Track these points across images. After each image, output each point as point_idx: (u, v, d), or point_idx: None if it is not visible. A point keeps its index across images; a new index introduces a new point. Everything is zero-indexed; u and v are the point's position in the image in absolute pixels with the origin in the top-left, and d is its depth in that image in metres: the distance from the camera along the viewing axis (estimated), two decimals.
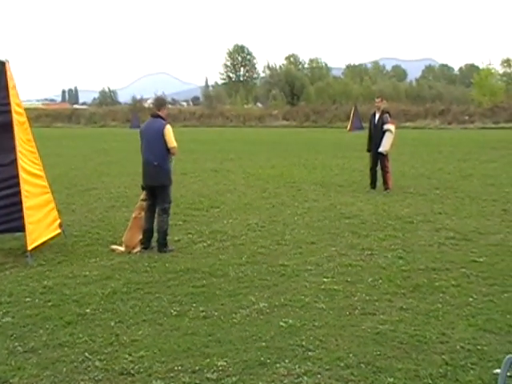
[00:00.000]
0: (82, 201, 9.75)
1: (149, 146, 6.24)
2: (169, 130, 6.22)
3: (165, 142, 6.19)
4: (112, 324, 4.17)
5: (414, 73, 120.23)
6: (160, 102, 6.53)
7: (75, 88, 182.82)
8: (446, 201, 9.33)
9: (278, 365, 3.48)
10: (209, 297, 4.78)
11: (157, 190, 6.33)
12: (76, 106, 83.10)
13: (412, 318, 4.22)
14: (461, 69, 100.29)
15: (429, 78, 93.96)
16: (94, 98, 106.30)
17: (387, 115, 10.39)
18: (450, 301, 4.59)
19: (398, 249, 6.26)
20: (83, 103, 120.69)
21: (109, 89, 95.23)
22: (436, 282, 5.07)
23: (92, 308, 4.51)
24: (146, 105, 51.34)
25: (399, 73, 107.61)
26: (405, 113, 38.56)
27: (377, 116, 10.48)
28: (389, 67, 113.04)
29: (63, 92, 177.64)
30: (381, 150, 10.25)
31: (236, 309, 4.48)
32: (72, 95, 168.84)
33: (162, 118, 6.35)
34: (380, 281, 5.12)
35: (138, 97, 58.57)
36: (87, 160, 17.25)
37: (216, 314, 4.38)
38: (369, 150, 10.68)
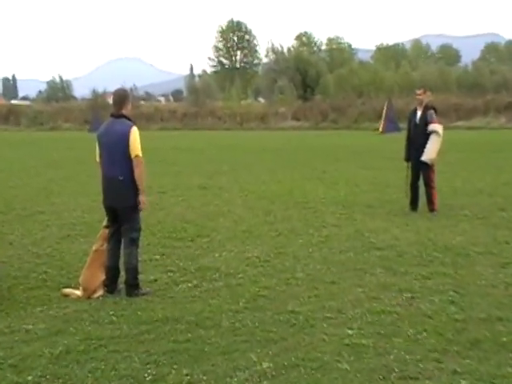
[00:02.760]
0: (24, 229, 9.80)
1: (110, 155, 6.33)
2: (136, 134, 6.30)
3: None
4: None
5: (469, 53, 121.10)
6: (121, 97, 6.55)
7: (13, 77, 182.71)
8: None
9: None
10: (195, 355, 4.79)
11: (122, 213, 6.40)
12: (14, 102, 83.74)
13: None
14: None
15: (491, 59, 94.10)
16: (40, 91, 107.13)
17: (432, 112, 10.52)
18: None
19: (449, 290, 6.27)
20: (24, 97, 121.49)
21: (60, 78, 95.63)
22: (503, 336, 5.07)
23: (36, 375, 4.50)
24: (111, 100, 51.77)
25: (450, 54, 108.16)
26: (457, 108, 38.77)
27: (418, 113, 10.61)
28: (435, 47, 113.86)
29: None
30: (424, 158, 10.36)
31: (231, 371, 4.49)
32: (8, 87, 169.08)
33: (126, 117, 6.45)
34: (424, 334, 5.13)
35: (100, 89, 59.08)
36: (31, 175, 17.38)
37: (205, 378, 4.40)
38: (407, 160, 10.78)
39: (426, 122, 10.47)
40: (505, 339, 4.99)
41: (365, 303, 5.94)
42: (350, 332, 5.20)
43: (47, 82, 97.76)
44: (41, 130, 46.09)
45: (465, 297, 6.08)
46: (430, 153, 10.39)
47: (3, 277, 6.86)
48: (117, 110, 6.48)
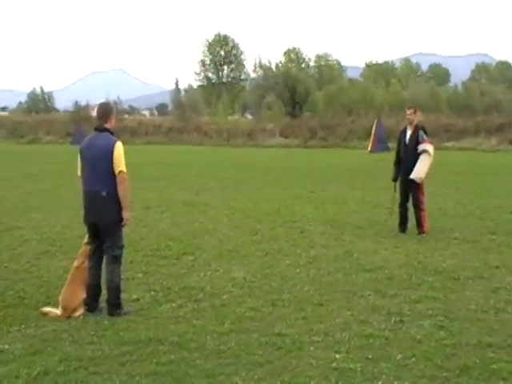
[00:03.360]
0: (1, 244, 9.74)
1: (93, 169, 6.35)
2: (120, 149, 6.34)
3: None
4: None
5: (460, 73, 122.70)
6: (105, 111, 6.64)
7: None
8: (505, 250, 9.45)
9: None
10: (178, 378, 4.78)
11: (104, 229, 6.40)
12: None
13: None
14: None
15: (481, 80, 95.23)
16: (20, 102, 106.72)
17: (422, 132, 10.65)
18: None
19: (439, 315, 6.31)
20: (3, 108, 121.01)
21: (42, 89, 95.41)
22: (493, 363, 5.10)
23: None
24: (94, 113, 51.66)
25: (440, 73, 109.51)
26: (447, 128, 39.12)
27: (408, 133, 10.73)
28: (425, 66, 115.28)
29: None
30: (413, 176, 10.45)
31: None
32: None
33: (109, 131, 6.49)
34: (413, 359, 5.16)
35: (83, 102, 59.01)
36: (9, 188, 17.28)
37: None
38: (395, 180, 10.88)
39: (416, 141, 10.59)
40: (495, 366, 5.03)
41: (353, 326, 5.97)
42: (337, 356, 5.22)
43: (28, 94, 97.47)
44: (20, 143, 45.82)
45: (454, 322, 6.12)
46: (419, 171, 10.49)
47: None
48: (100, 124, 6.53)
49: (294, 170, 23.35)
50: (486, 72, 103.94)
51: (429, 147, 10.59)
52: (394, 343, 5.53)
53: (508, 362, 5.11)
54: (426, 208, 10.74)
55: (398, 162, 10.84)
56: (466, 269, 8.23)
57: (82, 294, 6.43)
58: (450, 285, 7.47)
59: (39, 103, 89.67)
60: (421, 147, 10.52)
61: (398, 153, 10.93)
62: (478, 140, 38.51)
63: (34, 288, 7.31)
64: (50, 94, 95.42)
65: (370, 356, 5.23)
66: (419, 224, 10.61)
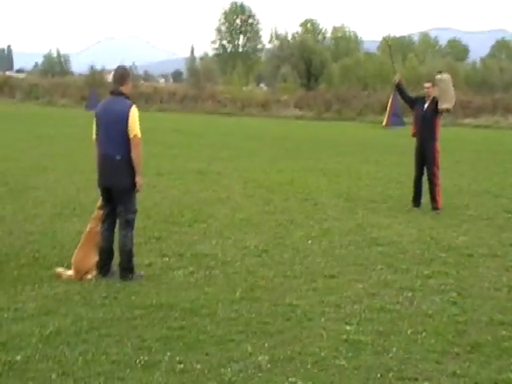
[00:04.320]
0: (16, 205, 9.77)
1: (108, 133, 6.32)
2: (135, 114, 6.32)
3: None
4: (53, 377, 4.17)
5: (478, 49, 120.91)
6: (122, 75, 6.57)
7: (8, 48, 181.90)
8: None
9: None
10: (189, 343, 4.80)
11: (117, 194, 6.39)
12: (9, 74, 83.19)
13: None
14: None
15: (500, 56, 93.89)
16: (36, 64, 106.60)
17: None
18: None
19: (451, 291, 6.28)
20: (20, 70, 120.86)
21: (58, 52, 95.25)
22: (505, 341, 5.07)
23: (25, 354, 4.50)
24: (110, 78, 51.52)
25: (458, 49, 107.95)
26: (464, 105, 38.49)
27: (427, 103, 10.58)
28: (443, 41, 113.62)
29: None
30: (446, 106, 10.26)
31: (226, 361, 4.50)
32: (3, 58, 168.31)
33: (125, 96, 6.44)
34: (424, 334, 5.14)
35: (98, 66, 58.83)
36: (25, 149, 17.32)
37: (198, 367, 4.40)
38: (414, 135, 10.79)
39: (434, 112, 10.43)
40: (507, 344, 5.00)
41: (364, 299, 5.95)
42: (348, 328, 5.21)
43: (44, 56, 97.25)
44: (36, 104, 45.86)
45: (467, 298, 6.09)
46: (448, 99, 10.30)
47: None
48: (116, 88, 6.49)
49: (307, 142, 23.21)
50: (506, 48, 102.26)
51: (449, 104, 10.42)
52: (405, 317, 5.50)
53: None
54: (440, 183, 10.63)
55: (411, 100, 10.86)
56: (480, 246, 8.17)
57: (95, 257, 6.45)
58: (463, 261, 7.42)
59: (55, 66, 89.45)
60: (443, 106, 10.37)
61: (415, 119, 10.82)
62: (495, 118, 38.06)
63: (47, 249, 7.35)
64: (66, 57, 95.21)
65: (380, 329, 5.21)
66: (433, 199, 10.52)
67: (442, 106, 10.33)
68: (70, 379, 4.16)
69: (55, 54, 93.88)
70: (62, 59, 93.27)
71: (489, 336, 5.15)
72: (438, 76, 10.59)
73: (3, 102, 47.42)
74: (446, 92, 10.37)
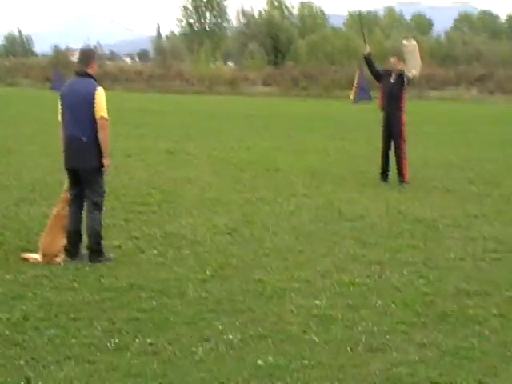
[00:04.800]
0: None
1: (73, 115, 6.21)
2: (101, 94, 6.23)
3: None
4: (21, 363, 4.12)
5: (442, 23, 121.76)
6: (88, 55, 6.50)
7: None
8: (484, 200, 9.52)
9: None
10: (159, 324, 4.77)
11: (84, 175, 6.30)
12: None
13: (437, 358, 4.30)
14: (510, 18, 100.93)
15: (463, 30, 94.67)
16: None
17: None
18: (490, 336, 4.67)
19: (418, 263, 6.37)
20: None
21: (20, 32, 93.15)
22: (470, 309, 5.17)
23: None
24: (75, 58, 50.62)
25: (422, 23, 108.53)
26: (429, 78, 38.86)
27: (393, 76, 10.60)
28: (408, 15, 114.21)
29: None
30: (412, 73, 10.28)
31: (197, 341, 4.49)
32: None
33: (91, 76, 6.33)
34: (393, 306, 5.21)
35: (63, 46, 57.75)
36: None
37: (169, 348, 4.39)
38: (383, 109, 10.82)
39: (401, 86, 10.46)
40: (471, 312, 5.10)
41: (333, 274, 5.98)
42: (318, 303, 5.24)
43: (5, 36, 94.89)
44: None
45: (433, 270, 6.18)
46: (416, 64, 10.32)
47: None
48: (82, 69, 6.38)
49: (275, 120, 23.18)
50: (468, 22, 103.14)
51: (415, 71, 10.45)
52: (374, 291, 5.56)
53: (484, 308, 5.18)
54: (407, 157, 10.72)
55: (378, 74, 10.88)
56: (445, 218, 8.28)
57: (62, 241, 6.36)
58: (429, 233, 7.53)
59: (17, 46, 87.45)
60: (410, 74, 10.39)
61: (383, 93, 10.87)
62: (459, 90, 38.56)
63: (13, 233, 7.21)
64: (28, 37, 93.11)
65: (350, 303, 5.26)
66: (400, 173, 10.62)
67: (409, 73, 10.36)
68: (39, 365, 4.10)
69: (17, 35, 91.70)
70: (25, 39, 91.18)
71: (455, 305, 5.24)
72: (405, 41, 10.64)
73: None
74: (413, 57, 10.40)
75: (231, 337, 4.55)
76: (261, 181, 10.85)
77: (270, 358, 4.24)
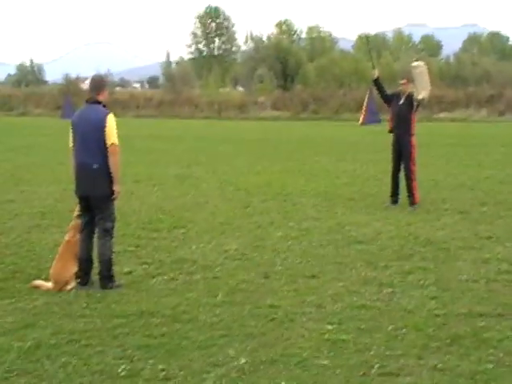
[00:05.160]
0: None
1: (84, 142, 6.29)
2: (112, 121, 6.30)
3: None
4: None
5: (451, 44, 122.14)
6: (99, 83, 6.59)
7: None
8: (496, 221, 9.47)
9: None
10: (171, 350, 4.78)
11: (95, 202, 6.35)
12: None
13: (451, 382, 4.26)
14: None
15: (472, 51, 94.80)
16: (9, 75, 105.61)
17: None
18: (505, 359, 4.62)
19: (430, 285, 6.33)
20: None
21: (31, 62, 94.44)
22: (484, 332, 5.13)
23: (4, 369, 4.45)
24: (85, 86, 51.24)
25: (431, 45, 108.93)
26: (439, 100, 38.95)
27: (402, 99, 10.66)
28: (417, 37, 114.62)
29: None
30: (422, 96, 10.29)
31: (208, 366, 4.49)
32: None
33: (101, 104, 6.43)
34: (404, 330, 5.17)
35: (73, 74, 58.48)
36: None
37: (181, 373, 4.39)
38: (391, 131, 10.84)
39: (410, 108, 10.51)
40: (485, 335, 5.05)
41: (345, 298, 5.97)
42: (329, 327, 5.22)
43: (17, 66, 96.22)
44: (9, 116, 45.38)
45: (446, 292, 6.14)
46: (425, 87, 10.33)
47: None
48: (93, 96, 6.47)
49: (285, 143, 23.27)
50: (477, 43, 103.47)
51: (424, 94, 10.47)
52: (386, 314, 5.54)
53: (498, 331, 5.13)
54: (417, 178, 10.72)
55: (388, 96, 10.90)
56: (457, 239, 8.24)
57: (73, 268, 6.39)
58: (441, 255, 7.49)
59: (29, 75, 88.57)
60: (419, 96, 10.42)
61: (392, 115, 10.88)
62: (468, 111, 38.60)
63: (25, 261, 7.26)
64: (39, 67, 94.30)
65: (362, 327, 5.24)
66: (410, 195, 10.60)
67: (419, 96, 10.41)
68: None
69: (28, 64, 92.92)
70: (36, 69, 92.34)
71: (468, 328, 5.20)
72: (414, 63, 10.72)
73: None
74: (422, 79, 10.45)
75: (242, 362, 4.55)
76: (271, 205, 10.87)
77: (282, 383, 4.23)
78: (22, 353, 4.73)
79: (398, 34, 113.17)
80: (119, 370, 4.42)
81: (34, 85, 71.07)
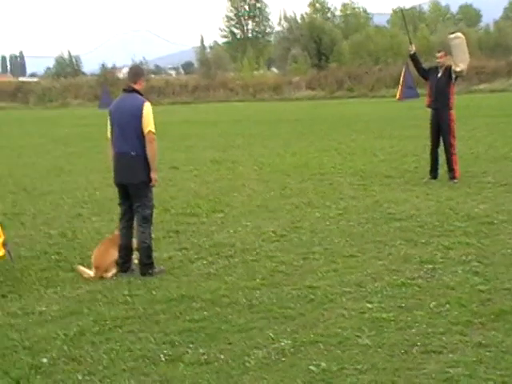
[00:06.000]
0: (35, 209, 9.86)
1: (122, 131, 6.34)
2: (149, 109, 6.33)
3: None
4: (79, 377, 4.21)
5: (491, 13, 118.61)
6: (136, 72, 6.65)
7: (20, 54, 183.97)
8: None
9: None
10: (212, 334, 4.81)
11: (133, 190, 6.41)
12: (23, 79, 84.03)
13: (496, 359, 4.19)
14: None
15: None
16: (48, 68, 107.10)
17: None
18: None
19: (473, 261, 6.22)
20: (32, 74, 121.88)
21: (69, 54, 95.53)
22: None
23: (51, 356, 4.55)
24: (121, 75, 51.80)
25: (470, 14, 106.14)
26: (478, 71, 37.96)
27: (440, 72, 10.44)
28: (454, 8, 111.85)
29: (3, 59, 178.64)
30: (460, 68, 10.07)
31: (249, 349, 4.51)
32: (16, 64, 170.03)
33: (138, 93, 6.46)
34: (447, 306, 5.11)
35: (110, 64, 59.16)
36: (41, 153, 17.48)
37: (222, 357, 4.42)
38: (429, 106, 10.63)
39: (448, 79, 10.29)
40: None
41: (385, 276, 5.91)
42: (370, 306, 5.19)
43: (55, 58, 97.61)
44: (49, 108, 46.23)
45: (489, 267, 6.02)
46: (463, 59, 10.11)
47: (15, 258, 6.92)
48: (129, 85, 6.52)
49: (321, 122, 23.10)
50: None
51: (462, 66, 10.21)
52: (427, 291, 5.47)
53: None
54: (457, 152, 10.51)
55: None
56: (500, 213, 8.07)
57: (114, 254, 6.49)
58: (483, 230, 7.34)
59: (67, 67, 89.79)
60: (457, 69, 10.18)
61: (430, 89, 10.61)
62: (510, 81, 37.53)
63: (68, 251, 7.40)
64: (77, 58, 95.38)
65: (402, 305, 5.18)
66: (450, 169, 10.42)
67: (457, 68, 10.16)
68: (96, 378, 4.20)
69: (66, 56, 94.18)
70: (74, 60, 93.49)
71: None
72: (451, 35, 10.46)
73: (18, 107, 47.91)
74: (460, 50, 10.20)
75: (283, 344, 4.55)
76: (308, 185, 10.82)
77: (323, 363, 4.22)
78: (68, 340, 4.83)
79: (435, 5, 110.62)
80: (161, 355, 4.47)
81: (72, 76, 72.05)
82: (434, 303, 5.17)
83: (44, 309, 5.52)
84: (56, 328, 5.06)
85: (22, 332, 5.03)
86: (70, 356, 4.55)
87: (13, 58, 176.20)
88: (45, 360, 4.49)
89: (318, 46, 62.54)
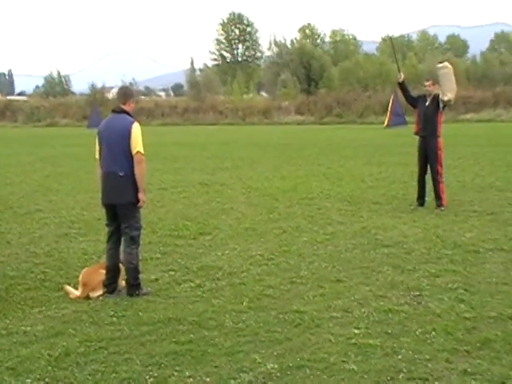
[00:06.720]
0: (21, 228, 9.82)
1: (110, 151, 6.36)
2: (137, 130, 6.37)
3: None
4: None
5: (478, 44, 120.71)
6: (125, 93, 6.69)
7: (9, 72, 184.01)
8: None
9: None
10: (198, 357, 4.80)
11: (121, 210, 6.42)
12: (11, 98, 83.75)
13: None
14: None
15: (500, 49, 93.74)
16: (37, 87, 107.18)
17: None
18: None
19: (459, 288, 6.27)
20: (21, 93, 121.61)
21: (58, 73, 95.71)
22: None
23: (35, 378, 4.51)
24: (111, 95, 51.88)
25: (457, 45, 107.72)
26: (465, 100, 38.58)
27: (428, 100, 10.60)
28: (442, 38, 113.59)
29: None
30: (447, 97, 10.23)
31: (235, 372, 4.50)
32: (4, 82, 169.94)
33: (128, 113, 6.51)
34: (433, 333, 5.13)
35: (99, 84, 59.21)
36: (28, 172, 17.40)
37: (208, 380, 4.40)
38: (417, 134, 10.77)
39: (436, 109, 10.45)
40: None
41: (372, 302, 5.94)
42: (356, 332, 5.20)
43: (44, 77, 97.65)
44: (38, 126, 46.15)
45: (475, 295, 6.07)
46: (450, 88, 10.26)
47: (0, 277, 6.87)
48: (118, 106, 6.56)
49: (310, 147, 23.25)
50: (505, 41, 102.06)
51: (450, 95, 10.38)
52: (414, 318, 5.49)
53: None
54: (444, 180, 10.63)
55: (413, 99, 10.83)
56: (486, 241, 8.14)
57: (102, 275, 6.47)
58: (469, 258, 7.40)
59: (56, 87, 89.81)
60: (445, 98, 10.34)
61: (418, 117, 10.78)
62: (496, 111, 38.10)
63: (54, 270, 7.37)
64: (66, 77, 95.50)
65: (389, 331, 5.20)
66: (437, 197, 10.52)
67: (444, 97, 10.32)
68: None
69: (56, 75, 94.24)
70: (63, 80, 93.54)
71: (498, 331, 5.13)
72: (439, 64, 10.65)
73: (6, 125, 47.76)
74: (448, 80, 10.37)
75: (269, 368, 4.55)
76: (296, 209, 10.86)
77: None
78: (52, 361, 4.79)
79: (423, 34, 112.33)
80: (147, 377, 4.46)
81: (62, 95, 72.08)
82: (420, 330, 5.20)
83: (28, 329, 5.48)
84: (40, 348, 5.03)
85: (6, 352, 4.99)
86: (55, 377, 4.52)
87: (1, 76, 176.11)
88: (28, 381, 4.46)
89: (308, 72, 63.19)
